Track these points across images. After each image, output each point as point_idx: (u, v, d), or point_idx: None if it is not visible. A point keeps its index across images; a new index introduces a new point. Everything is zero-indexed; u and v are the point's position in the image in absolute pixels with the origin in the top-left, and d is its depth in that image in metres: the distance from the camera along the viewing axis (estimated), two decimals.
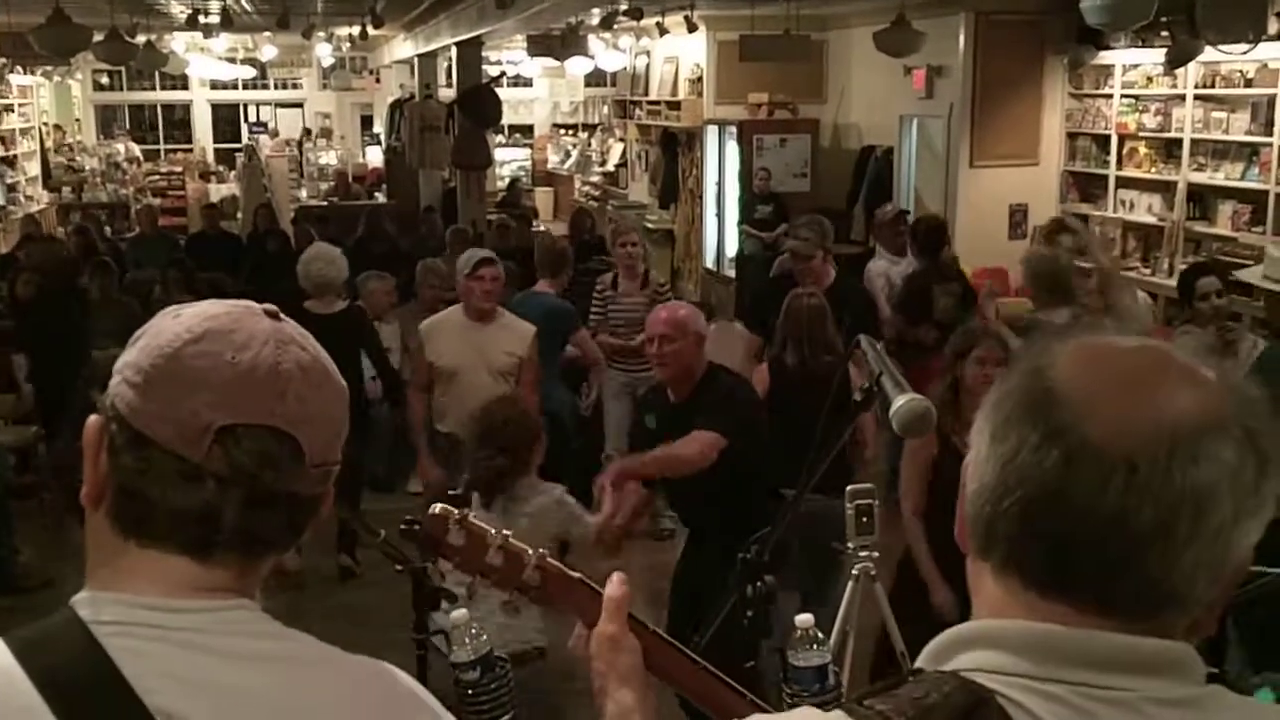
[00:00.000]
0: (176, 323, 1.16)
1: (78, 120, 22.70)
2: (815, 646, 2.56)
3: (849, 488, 3.74)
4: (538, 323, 6.37)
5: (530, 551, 1.41)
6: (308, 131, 23.09)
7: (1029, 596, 0.99)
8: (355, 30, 15.08)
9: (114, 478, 1.14)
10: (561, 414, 6.59)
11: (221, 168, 22.10)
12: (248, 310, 1.18)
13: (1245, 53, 8.80)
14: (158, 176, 21.30)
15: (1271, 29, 8.59)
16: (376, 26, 13.09)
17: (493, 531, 1.40)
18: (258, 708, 1.08)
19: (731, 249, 13.47)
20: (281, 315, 1.20)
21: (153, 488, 1.12)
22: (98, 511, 1.16)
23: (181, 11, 12.72)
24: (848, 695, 1.24)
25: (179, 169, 21.58)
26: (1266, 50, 8.81)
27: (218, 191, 19.91)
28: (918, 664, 1.03)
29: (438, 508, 1.41)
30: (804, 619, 2.60)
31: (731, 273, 13.27)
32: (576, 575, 1.42)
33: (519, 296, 7.11)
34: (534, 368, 5.71)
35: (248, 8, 13.12)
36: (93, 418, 1.16)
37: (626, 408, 6.98)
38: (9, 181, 17.85)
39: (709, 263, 14.25)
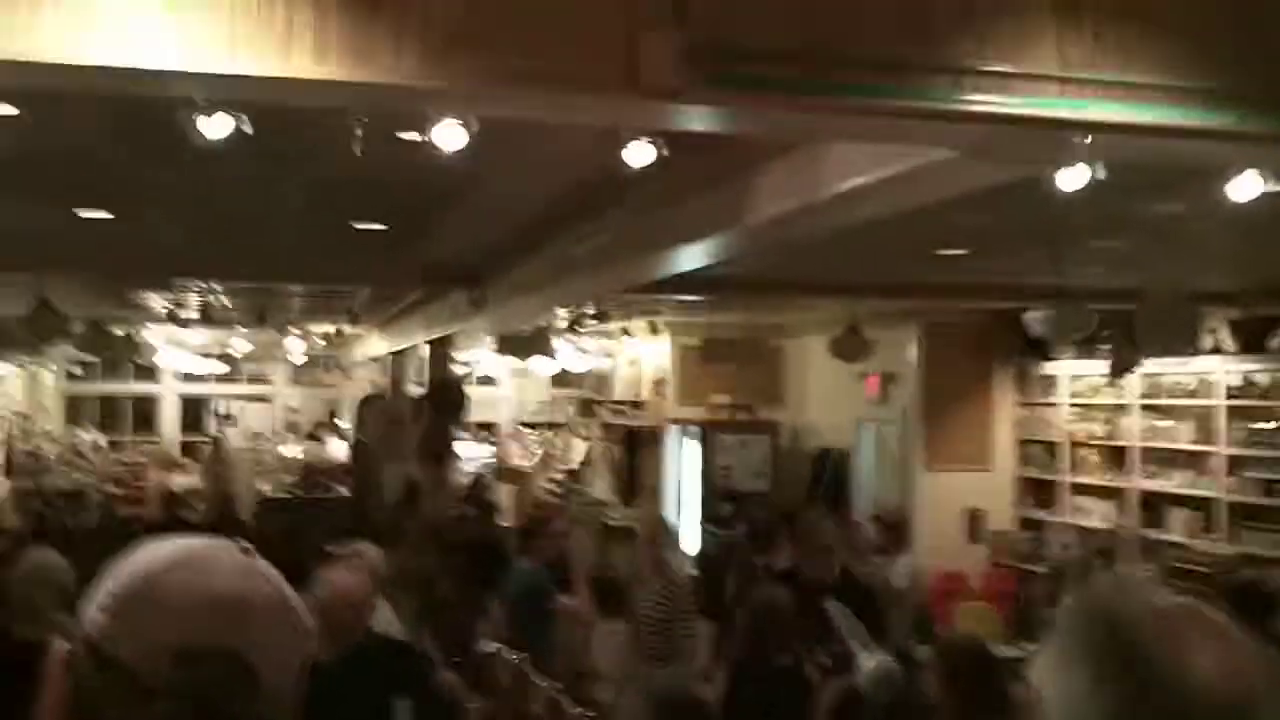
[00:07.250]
0: (154, 550, 1.25)
1: (45, 409, 22.81)
2: None
3: None
4: (519, 600, 6.66)
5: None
6: (247, 436, 23.31)
7: None
8: (331, 329, 15.53)
9: (73, 699, 1.19)
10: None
11: (186, 459, 22.09)
12: (223, 545, 1.27)
13: (1184, 365, 9.19)
14: (122, 467, 21.25)
15: (1206, 344, 9.01)
16: (353, 324, 13.48)
17: (545, 684, 1.49)
18: None
19: (693, 547, 13.43)
20: (254, 552, 1.28)
21: (110, 706, 1.17)
22: None
23: (163, 308, 13.07)
24: None
25: (142, 459, 21.56)
26: (1204, 364, 9.21)
27: (181, 482, 19.81)
28: None
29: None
30: None
31: (693, 570, 13.17)
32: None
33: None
34: None
35: (228, 305, 13.52)
36: (57, 645, 1.22)
37: None
38: None
39: None
